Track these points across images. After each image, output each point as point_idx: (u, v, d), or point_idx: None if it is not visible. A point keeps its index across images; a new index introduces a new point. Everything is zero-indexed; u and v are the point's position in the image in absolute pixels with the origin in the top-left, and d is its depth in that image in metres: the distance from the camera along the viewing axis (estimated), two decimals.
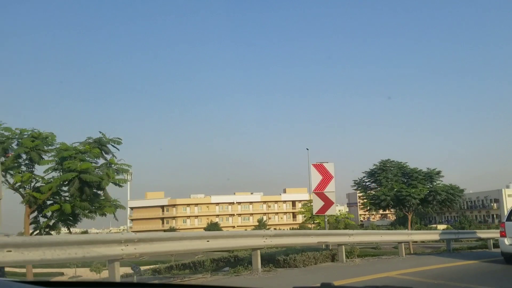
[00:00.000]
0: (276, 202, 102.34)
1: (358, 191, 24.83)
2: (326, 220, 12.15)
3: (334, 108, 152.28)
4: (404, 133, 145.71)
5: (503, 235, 11.03)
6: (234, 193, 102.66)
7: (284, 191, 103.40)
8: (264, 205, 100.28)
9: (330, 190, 11.19)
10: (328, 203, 11.17)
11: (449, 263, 11.57)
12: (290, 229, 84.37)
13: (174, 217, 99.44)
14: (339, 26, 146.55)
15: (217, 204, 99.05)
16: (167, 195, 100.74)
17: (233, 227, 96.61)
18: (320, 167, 11.24)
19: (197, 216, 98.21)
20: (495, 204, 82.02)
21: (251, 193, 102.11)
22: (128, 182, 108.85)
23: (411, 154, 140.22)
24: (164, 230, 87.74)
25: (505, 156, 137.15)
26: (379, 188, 23.08)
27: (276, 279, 7.65)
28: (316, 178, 11.20)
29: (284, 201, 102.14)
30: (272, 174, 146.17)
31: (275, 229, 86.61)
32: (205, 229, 77.71)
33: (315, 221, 28.86)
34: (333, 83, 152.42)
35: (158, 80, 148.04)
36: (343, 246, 10.31)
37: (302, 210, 35.02)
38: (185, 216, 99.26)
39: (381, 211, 26.89)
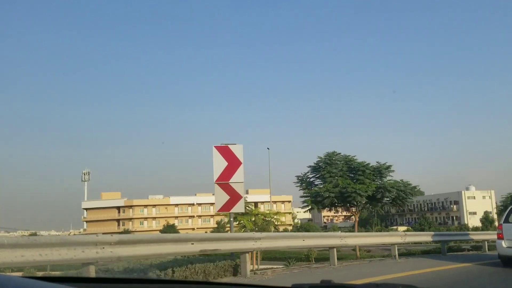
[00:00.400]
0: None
1: (300, 188, 22.21)
2: (231, 220, 9.37)
3: (300, 109, 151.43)
4: (365, 133, 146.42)
5: (500, 237, 10.49)
6: (195, 194, 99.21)
7: (247, 192, 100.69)
8: None
9: (237, 180, 8.49)
10: (234, 197, 8.47)
11: (390, 274, 9.11)
12: (250, 231, 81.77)
13: (130, 219, 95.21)
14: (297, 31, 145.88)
15: (176, 205, 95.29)
16: (124, 196, 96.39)
17: (193, 229, 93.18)
18: (224, 150, 8.51)
19: (154, 217, 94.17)
20: (454, 206, 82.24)
21: (213, 194, 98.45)
22: (86, 183, 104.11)
23: (370, 154, 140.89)
24: (119, 233, 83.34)
25: (466, 159, 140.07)
26: (322, 184, 20.64)
27: None
28: (219, 164, 8.48)
29: (247, 202, 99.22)
30: None
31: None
32: (161, 231, 74.25)
33: (240, 222, 25.76)
34: (296, 86, 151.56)
35: (116, 80, 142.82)
36: (247, 255, 7.61)
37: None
38: (142, 218, 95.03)
39: (325, 211, 24.36)
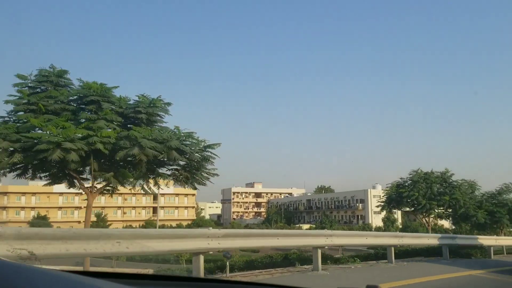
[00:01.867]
0: (134, 194, 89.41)
1: None
2: None
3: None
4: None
5: None
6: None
7: None
8: (120, 198, 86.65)
9: None
10: None
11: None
12: (140, 226, 72.96)
13: (4, 208, 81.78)
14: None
15: (61, 194, 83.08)
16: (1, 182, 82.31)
17: (79, 222, 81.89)
18: None
19: (34, 207, 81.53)
20: (360, 204, 79.63)
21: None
22: None
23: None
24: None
25: (376, 159, 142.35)
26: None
27: None
28: None
29: (144, 194, 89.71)
30: None
31: (130, 226, 73.56)
32: (29, 223, 63.08)
33: None
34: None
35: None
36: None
37: None
38: (19, 207, 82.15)
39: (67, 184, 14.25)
